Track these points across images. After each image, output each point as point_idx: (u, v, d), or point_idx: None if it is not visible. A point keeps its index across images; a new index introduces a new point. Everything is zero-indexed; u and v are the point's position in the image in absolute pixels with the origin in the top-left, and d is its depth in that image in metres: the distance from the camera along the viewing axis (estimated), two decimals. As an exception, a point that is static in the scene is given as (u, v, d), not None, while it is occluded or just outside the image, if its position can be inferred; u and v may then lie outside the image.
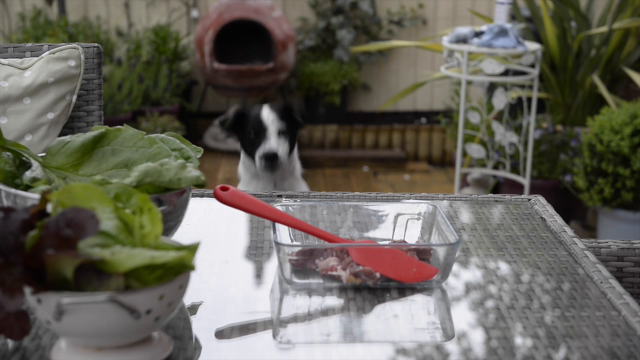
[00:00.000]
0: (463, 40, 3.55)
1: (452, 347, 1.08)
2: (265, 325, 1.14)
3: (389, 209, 1.41)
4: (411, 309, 1.18)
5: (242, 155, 2.48)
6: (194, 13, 5.33)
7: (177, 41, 5.12)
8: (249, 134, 2.34)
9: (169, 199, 1.20)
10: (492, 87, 4.01)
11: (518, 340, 1.09)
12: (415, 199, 1.63)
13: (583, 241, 1.44)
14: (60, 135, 1.92)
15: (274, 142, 2.30)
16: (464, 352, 1.06)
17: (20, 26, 5.06)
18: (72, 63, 1.90)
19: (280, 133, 2.33)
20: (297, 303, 1.19)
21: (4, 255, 0.92)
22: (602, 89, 3.85)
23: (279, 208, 1.33)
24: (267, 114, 2.34)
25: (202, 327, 1.12)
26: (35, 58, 1.91)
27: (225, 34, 5.02)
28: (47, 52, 1.91)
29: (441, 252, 1.24)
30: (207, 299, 1.19)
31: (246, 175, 2.50)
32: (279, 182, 2.48)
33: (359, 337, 1.10)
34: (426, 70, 5.45)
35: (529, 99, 3.92)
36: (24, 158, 1.27)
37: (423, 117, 5.55)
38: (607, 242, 1.56)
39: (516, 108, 4.25)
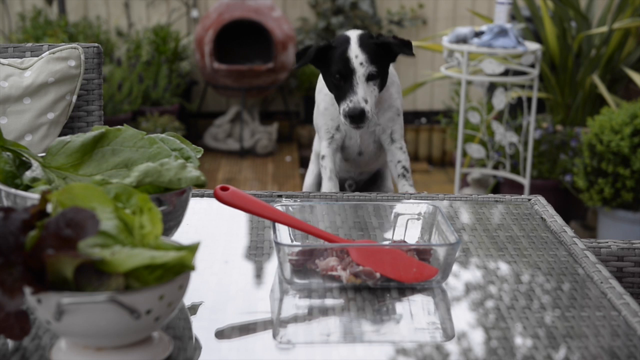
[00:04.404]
0: (463, 40, 3.55)
1: (452, 347, 1.08)
2: (265, 325, 1.14)
3: (388, 209, 1.41)
4: (411, 309, 1.18)
5: (321, 85, 1.95)
6: (194, 13, 5.33)
7: (177, 41, 5.12)
8: (333, 74, 1.83)
9: (169, 199, 1.20)
10: (492, 87, 4.01)
11: (518, 340, 1.09)
12: (415, 199, 1.63)
13: (583, 241, 1.44)
14: (60, 135, 1.92)
15: (360, 95, 1.79)
16: (464, 352, 1.06)
17: (20, 26, 5.06)
18: (72, 63, 1.90)
19: (371, 77, 1.82)
20: (297, 303, 1.19)
21: (4, 255, 0.92)
22: (602, 89, 3.85)
23: (279, 208, 1.33)
24: (355, 54, 1.81)
25: (202, 327, 1.12)
26: (35, 58, 1.91)
27: (225, 34, 5.02)
28: (47, 52, 1.91)
29: (441, 252, 1.24)
30: (207, 299, 1.19)
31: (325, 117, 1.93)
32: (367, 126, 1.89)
33: (359, 337, 1.10)
34: (426, 70, 5.45)
35: (529, 99, 3.92)
36: (24, 158, 1.27)
37: (423, 117, 5.55)
38: (607, 242, 1.56)
39: (516, 108, 4.25)
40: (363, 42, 1.83)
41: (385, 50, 1.85)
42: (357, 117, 1.79)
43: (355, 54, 1.81)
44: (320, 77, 1.94)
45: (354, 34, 1.85)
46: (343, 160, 1.96)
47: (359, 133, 1.90)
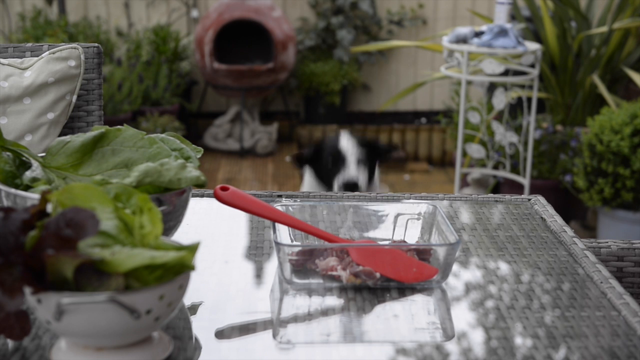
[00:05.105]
0: (463, 40, 3.55)
1: (452, 347, 1.08)
2: (265, 325, 1.14)
3: (389, 209, 1.41)
4: (411, 309, 1.18)
5: (312, 179, 2.22)
6: (194, 13, 5.33)
7: (177, 41, 5.12)
8: (326, 163, 2.14)
9: (169, 199, 1.20)
10: (492, 87, 4.01)
11: (518, 340, 1.09)
12: (415, 199, 1.63)
13: (583, 241, 1.44)
14: (60, 135, 1.92)
15: (353, 170, 2.12)
16: (464, 352, 1.06)
17: (20, 26, 5.06)
18: (72, 63, 1.90)
19: (360, 162, 2.14)
20: (297, 303, 1.19)
21: (4, 255, 0.92)
22: (602, 89, 3.85)
23: (279, 208, 1.33)
24: (346, 143, 2.16)
25: (202, 327, 1.12)
26: (35, 58, 1.91)
27: (225, 34, 5.02)
28: (47, 52, 1.91)
29: (441, 252, 1.24)
30: (207, 299, 1.19)
31: None
32: None
33: (359, 337, 1.10)
34: (426, 70, 5.45)
35: (529, 99, 3.92)
36: (24, 158, 1.27)
37: (423, 117, 5.55)
38: (607, 242, 1.56)
39: (516, 108, 4.25)
40: (351, 136, 2.13)
41: (371, 149, 2.16)
42: (350, 187, 2.07)
43: (346, 142, 2.13)
44: (307, 176, 2.21)
45: (343, 133, 2.15)
46: None
47: None
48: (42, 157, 1.28)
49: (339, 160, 2.12)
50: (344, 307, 1.17)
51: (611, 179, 3.44)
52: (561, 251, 1.38)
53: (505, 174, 3.85)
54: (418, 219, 1.38)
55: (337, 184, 2.10)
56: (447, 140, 5.23)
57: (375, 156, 2.21)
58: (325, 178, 2.19)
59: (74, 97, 1.92)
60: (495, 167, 4.08)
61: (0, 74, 1.87)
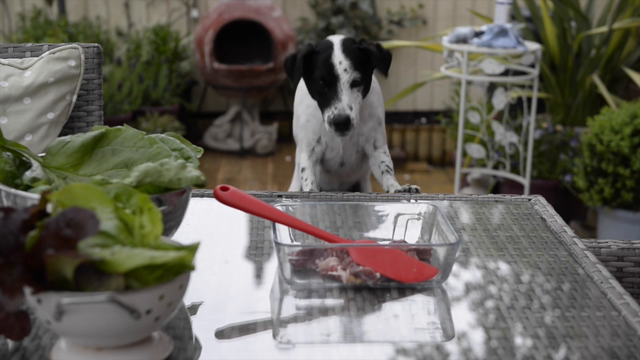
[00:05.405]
0: (463, 40, 3.55)
1: (452, 347, 1.08)
2: (265, 325, 1.14)
3: (389, 209, 1.41)
4: (411, 309, 1.18)
5: (301, 97, 1.95)
6: (194, 13, 5.33)
7: (177, 41, 5.12)
8: (317, 80, 1.80)
9: (169, 199, 1.20)
10: (492, 87, 4.01)
11: (518, 340, 1.09)
12: (415, 199, 1.63)
13: (583, 241, 1.44)
14: (60, 135, 1.92)
15: (345, 102, 1.76)
16: (464, 352, 1.06)
17: (20, 26, 5.06)
18: (72, 63, 1.90)
19: (355, 84, 1.79)
20: (297, 303, 1.19)
21: (4, 255, 0.92)
22: (602, 89, 3.85)
23: (279, 208, 1.33)
24: (339, 60, 1.79)
25: (202, 327, 1.12)
26: (35, 58, 1.91)
27: (225, 34, 5.02)
28: (47, 52, 1.91)
29: (441, 252, 1.24)
30: (207, 299, 1.19)
31: (309, 121, 1.90)
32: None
33: (359, 337, 1.10)
34: (426, 70, 5.45)
35: (529, 99, 3.92)
36: (24, 158, 1.27)
37: (423, 117, 5.55)
38: (607, 242, 1.56)
39: (516, 108, 4.25)
40: (346, 48, 1.80)
41: (368, 56, 1.82)
42: (342, 125, 1.76)
43: (339, 60, 1.78)
44: (299, 88, 1.92)
45: (336, 39, 1.82)
46: (324, 172, 1.94)
47: (341, 144, 1.87)
48: (42, 157, 1.28)
49: (330, 83, 1.78)
50: (344, 307, 1.17)
51: (611, 179, 3.44)
52: (561, 251, 1.38)
53: (505, 174, 3.85)
54: (418, 219, 1.38)
55: (326, 118, 1.78)
56: (447, 140, 5.22)
57: (372, 66, 1.86)
58: (316, 96, 1.88)
59: (74, 97, 1.92)
60: (495, 167, 4.08)
61: (0, 74, 1.87)
